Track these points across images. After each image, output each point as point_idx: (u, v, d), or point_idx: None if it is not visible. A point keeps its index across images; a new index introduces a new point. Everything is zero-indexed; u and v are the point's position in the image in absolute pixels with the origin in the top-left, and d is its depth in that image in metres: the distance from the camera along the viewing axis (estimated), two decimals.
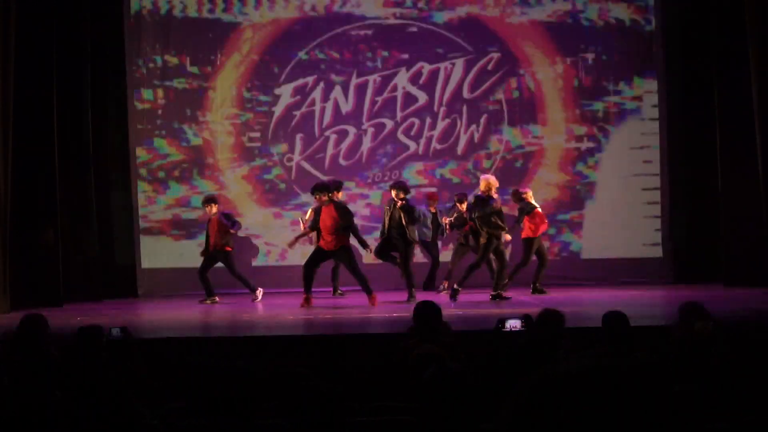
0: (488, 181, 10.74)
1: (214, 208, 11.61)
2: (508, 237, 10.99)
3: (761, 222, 11.05)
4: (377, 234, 11.63)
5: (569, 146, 13.25)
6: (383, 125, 13.33)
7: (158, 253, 13.10)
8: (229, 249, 11.48)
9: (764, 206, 10.98)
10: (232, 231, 11.49)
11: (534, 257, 11.40)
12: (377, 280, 11.12)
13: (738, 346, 4.11)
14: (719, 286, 11.49)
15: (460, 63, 13.31)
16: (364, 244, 10.81)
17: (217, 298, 11.48)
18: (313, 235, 10.79)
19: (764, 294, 10.13)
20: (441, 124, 13.32)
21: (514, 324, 5.71)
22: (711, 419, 3.64)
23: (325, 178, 13.21)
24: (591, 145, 13.24)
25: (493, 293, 10.58)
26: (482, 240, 10.67)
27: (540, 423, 1.55)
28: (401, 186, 11.17)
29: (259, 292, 11.49)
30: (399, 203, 10.98)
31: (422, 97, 13.34)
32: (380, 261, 11.34)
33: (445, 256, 12.36)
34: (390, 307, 10.07)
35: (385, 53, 13.25)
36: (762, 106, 10.95)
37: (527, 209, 11.22)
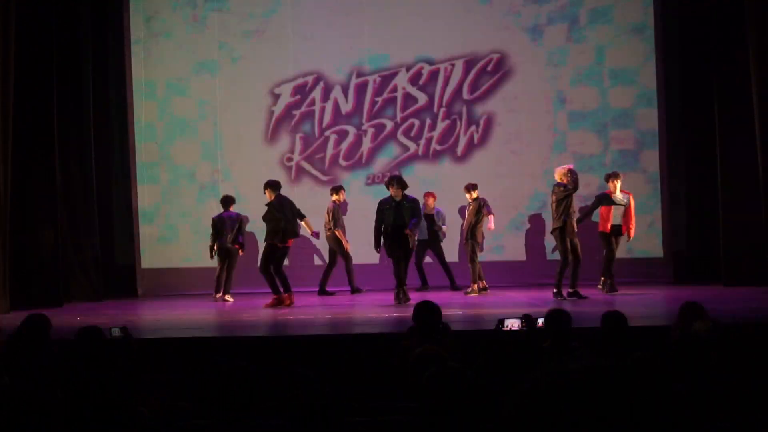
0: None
1: (232, 209, 11.75)
2: None
3: (761, 222, 11.05)
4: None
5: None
6: (383, 126, 13.32)
7: (158, 253, 13.10)
8: (237, 246, 11.63)
9: (764, 206, 10.97)
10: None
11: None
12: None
13: (737, 346, 4.12)
14: (719, 286, 11.48)
15: (459, 64, 13.30)
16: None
17: (228, 298, 11.56)
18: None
19: (764, 294, 10.13)
20: (441, 125, 13.31)
21: (513, 324, 5.70)
22: (711, 419, 3.64)
23: (324, 178, 13.22)
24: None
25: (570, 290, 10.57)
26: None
27: (539, 423, 1.55)
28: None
29: (230, 297, 11.54)
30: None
31: (422, 98, 13.33)
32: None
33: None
34: (390, 307, 10.06)
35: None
36: (762, 105, 10.94)
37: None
